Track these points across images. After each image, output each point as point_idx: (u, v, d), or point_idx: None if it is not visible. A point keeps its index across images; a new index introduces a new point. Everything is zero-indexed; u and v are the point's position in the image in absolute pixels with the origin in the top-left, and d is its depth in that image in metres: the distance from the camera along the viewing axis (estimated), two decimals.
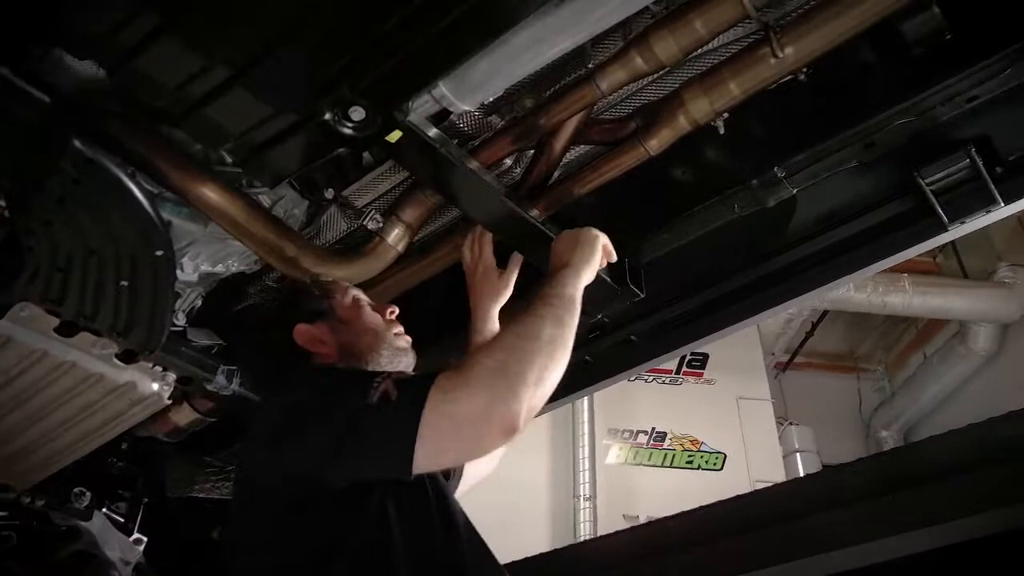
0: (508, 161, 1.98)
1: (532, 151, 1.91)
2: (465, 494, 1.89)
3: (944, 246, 7.96)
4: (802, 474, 7.39)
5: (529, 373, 1.34)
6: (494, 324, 1.97)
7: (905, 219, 1.87)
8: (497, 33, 1.43)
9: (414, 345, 1.81)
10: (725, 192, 2.01)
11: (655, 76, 1.76)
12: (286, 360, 1.72)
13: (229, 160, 1.69)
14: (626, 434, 7.06)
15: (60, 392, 2.23)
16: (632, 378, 6.78)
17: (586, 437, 6.87)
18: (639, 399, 7.18)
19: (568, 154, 1.94)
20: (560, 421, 6.95)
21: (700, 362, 7.47)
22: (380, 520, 1.37)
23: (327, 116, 1.49)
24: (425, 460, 1.31)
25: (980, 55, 1.68)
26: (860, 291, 7.41)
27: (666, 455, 7.03)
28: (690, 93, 1.71)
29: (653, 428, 7.12)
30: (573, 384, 2.44)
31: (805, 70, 1.65)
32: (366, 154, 1.92)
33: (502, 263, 2.01)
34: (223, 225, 1.82)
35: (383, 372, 1.44)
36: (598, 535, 6.03)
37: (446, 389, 1.32)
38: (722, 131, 1.78)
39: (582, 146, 1.98)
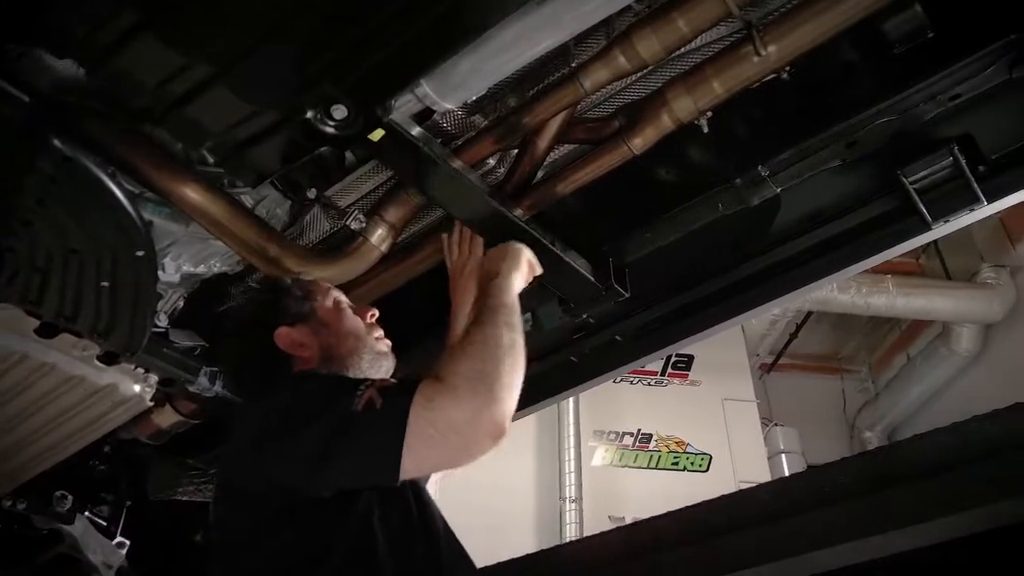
0: (492, 160, 1.98)
1: (516, 150, 1.91)
2: (434, 486, 1.88)
3: (927, 247, 8.02)
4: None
5: (504, 377, 1.37)
6: None
7: (889, 218, 1.87)
8: (479, 31, 1.43)
9: (393, 348, 1.81)
10: (709, 191, 2.01)
11: (638, 75, 1.77)
12: (268, 363, 1.71)
13: (211, 159, 1.67)
14: (612, 436, 7.08)
15: (40, 394, 2.21)
16: (618, 380, 6.82)
17: (572, 439, 6.88)
18: (625, 401, 7.20)
19: (552, 153, 1.94)
20: (546, 423, 6.96)
21: (685, 364, 7.50)
22: (364, 527, 1.38)
23: (309, 114, 1.48)
24: (411, 467, 1.32)
25: (962, 53, 1.69)
26: (844, 292, 7.43)
27: (652, 457, 7.05)
28: (673, 92, 1.71)
29: (639, 430, 7.14)
30: (558, 385, 2.44)
31: (788, 69, 1.65)
32: (349, 154, 1.91)
33: None
34: (205, 225, 1.80)
35: (367, 380, 1.45)
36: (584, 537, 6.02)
37: (429, 397, 1.32)
38: (706, 130, 1.78)
39: (566, 145, 1.98)
